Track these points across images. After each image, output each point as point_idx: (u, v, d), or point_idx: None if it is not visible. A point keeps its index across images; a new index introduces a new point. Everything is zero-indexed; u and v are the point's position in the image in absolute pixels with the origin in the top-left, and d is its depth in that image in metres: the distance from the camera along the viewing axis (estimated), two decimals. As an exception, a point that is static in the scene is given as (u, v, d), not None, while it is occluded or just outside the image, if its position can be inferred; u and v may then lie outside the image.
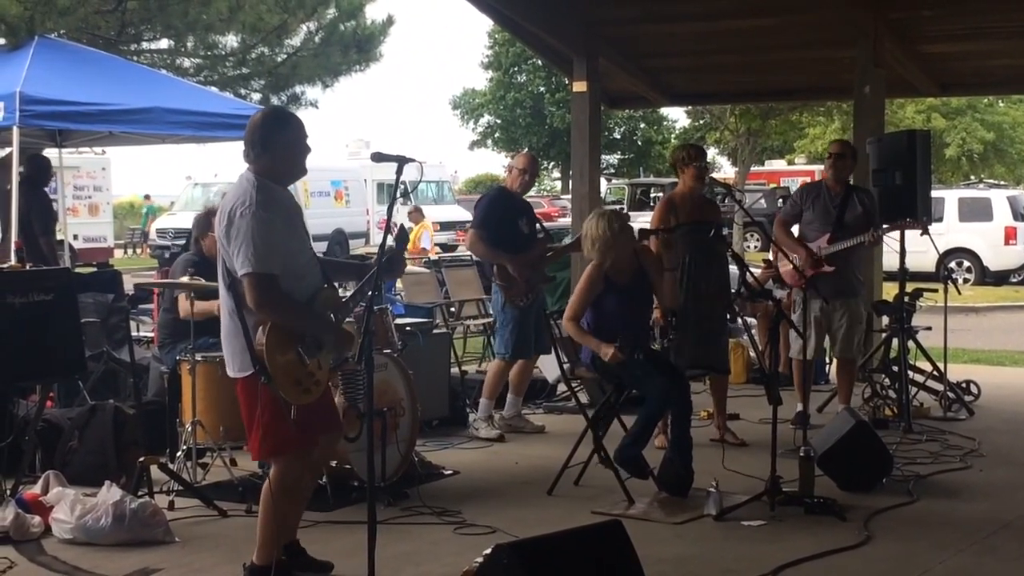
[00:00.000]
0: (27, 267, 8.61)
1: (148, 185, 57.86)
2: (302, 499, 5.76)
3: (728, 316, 8.85)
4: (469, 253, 12.18)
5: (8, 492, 6.82)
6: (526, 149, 11.07)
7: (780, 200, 28.23)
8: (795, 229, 9.57)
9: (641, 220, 8.01)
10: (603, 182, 33.64)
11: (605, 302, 7.57)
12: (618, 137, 56.93)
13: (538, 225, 9.49)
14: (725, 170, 46.74)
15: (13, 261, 10.09)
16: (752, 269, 8.90)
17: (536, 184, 62.20)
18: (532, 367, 9.56)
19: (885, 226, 9.20)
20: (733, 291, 8.74)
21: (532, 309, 9.14)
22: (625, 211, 8.14)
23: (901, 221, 9.24)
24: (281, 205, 5.36)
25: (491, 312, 9.36)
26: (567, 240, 11.37)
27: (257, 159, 5.37)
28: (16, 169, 10.91)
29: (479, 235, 9.09)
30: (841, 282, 9.16)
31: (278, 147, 5.37)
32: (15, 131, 10.73)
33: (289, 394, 5.22)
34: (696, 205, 8.68)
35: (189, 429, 7.35)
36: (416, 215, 23.28)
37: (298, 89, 20.61)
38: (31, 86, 10.83)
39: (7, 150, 12.17)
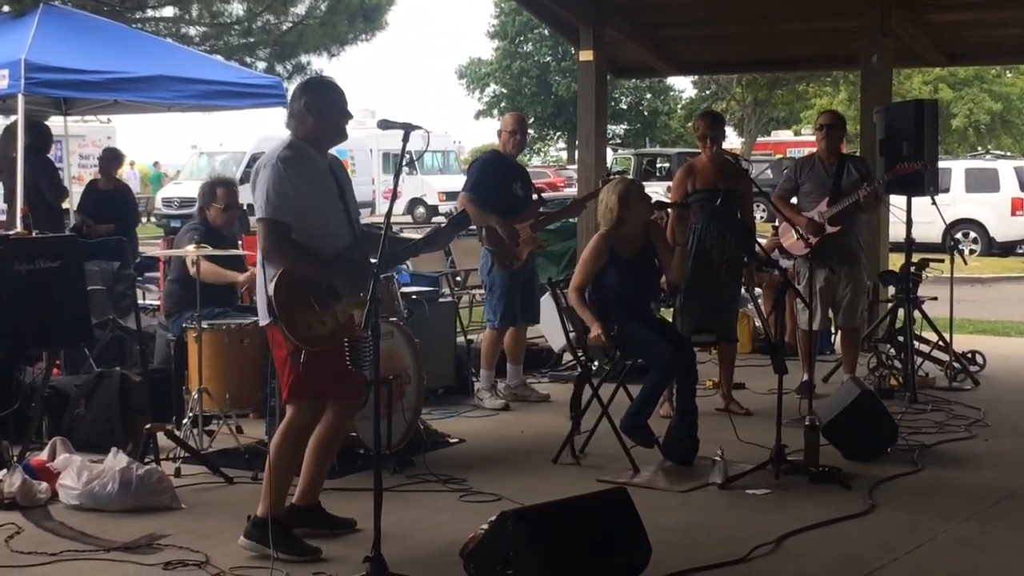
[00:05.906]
0: (33, 234, 8.60)
1: (153, 154, 57.95)
2: (322, 459, 5.85)
3: (742, 287, 8.83)
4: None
5: (15, 458, 6.83)
6: (509, 113, 10.91)
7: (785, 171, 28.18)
8: (793, 202, 9.53)
9: (647, 190, 7.96)
10: (609, 152, 33.60)
11: (606, 275, 7.52)
12: (624, 107, 56.88)
13: (534, 190, 9.48)
14: (731, 140, 46.71)
15: (20, 228, 10.09)
16: (759, 239, 8.89)
17: (542, 154, 62.13)
18: (524, 335, 9.50)
19: (886, 176, 9.15)
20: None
21: (521, 276, 9.12)
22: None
23: (899, 165, 9.18)
24: (310, 166, 5.55)
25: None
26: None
27: (299, 125, 5.61)
28: (21, 137, 10.90)
29: (470, 198, 9.01)
30: (844, 248, 9.11)
31: (317, 113, 5.59)
32: (20, 99, 10.72)
33: (298, 335, 5.37)
34: (718, 172, 8.61)
35: (195, 397, 7.36)
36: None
37: (303, 58, 20.61)
38: (36, 54, 10.81)
39: (12, 118, 12.16)
